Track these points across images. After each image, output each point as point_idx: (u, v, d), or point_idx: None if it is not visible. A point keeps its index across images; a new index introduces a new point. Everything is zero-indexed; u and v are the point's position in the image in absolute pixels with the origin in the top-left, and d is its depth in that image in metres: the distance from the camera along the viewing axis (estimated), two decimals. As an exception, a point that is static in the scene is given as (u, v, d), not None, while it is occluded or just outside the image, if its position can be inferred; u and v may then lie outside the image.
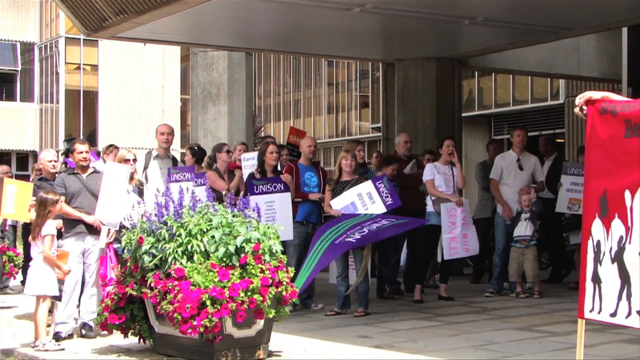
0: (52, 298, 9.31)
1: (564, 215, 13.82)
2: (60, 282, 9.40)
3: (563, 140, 24.02)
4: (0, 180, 9.73)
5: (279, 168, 11.78)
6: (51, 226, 9.26)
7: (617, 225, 5.73)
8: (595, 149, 6.05)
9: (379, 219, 10.57)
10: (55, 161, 11.46)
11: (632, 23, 16.12)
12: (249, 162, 12.39)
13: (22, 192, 9.89)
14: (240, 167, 12.51)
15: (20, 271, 13.97)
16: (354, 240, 10.15)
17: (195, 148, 12.83)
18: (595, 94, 6.12)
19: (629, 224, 5.62)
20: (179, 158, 13.05)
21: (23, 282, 11.64)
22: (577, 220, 13.39)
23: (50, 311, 9.54)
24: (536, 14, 13.82)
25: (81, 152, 9.98)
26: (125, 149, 11.87)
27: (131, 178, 10.62)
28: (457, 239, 12.15)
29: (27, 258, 11.18)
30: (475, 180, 15.20)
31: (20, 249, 14.10)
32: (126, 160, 10.77)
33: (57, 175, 10.75)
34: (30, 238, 9.43)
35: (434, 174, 12.24)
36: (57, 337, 9.34)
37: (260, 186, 11.08)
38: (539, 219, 12.58)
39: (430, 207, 12.38)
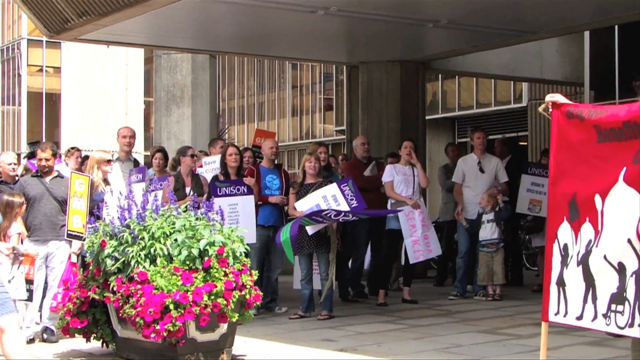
0: (23, 301, 9.22)
1: (525, 218, 13.87)
2: (29, 282, 9.30)
3: (526, 143, 24.15)
4: None
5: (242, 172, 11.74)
6: (16, 226, 9.21)
7: (587, 229, 5.75)
8: (564, 151, 6.05)
9: (347, 212, 10.60)
10: (15, 164, 11.33)
11: (594, 27, 16.28)
12: (209, 166, 12.33)
13: None
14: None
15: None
16: (319, 219, 10.33)
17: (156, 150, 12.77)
18: (562, 98, 6.14)
19: (599, 228, 5.64)
20: (142, 161, 12.96)
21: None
22: (539, 223, 13.48)
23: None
24: (499, 17, 13.88)
25: (40, 159, 9.89)
26: (102, 150, 11.70)
27: (105, 180, 10.54)
28: (419, 242, 12.15)
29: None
30: (438, 183, 15.24)
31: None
32: (108, 161, 10.62)
33: (17, 178, 10.63)
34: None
35: (393, 176, 12.22)
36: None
37: (224, 188, 11.04)
38: (503, 220, 12.59)
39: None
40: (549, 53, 19.64)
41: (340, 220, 10.70)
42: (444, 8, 13.40)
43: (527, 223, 13.94)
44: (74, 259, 9.78)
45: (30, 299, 9.39)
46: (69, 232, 9.55)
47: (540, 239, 13.71)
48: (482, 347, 8.76)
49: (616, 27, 19.08)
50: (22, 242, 9.47)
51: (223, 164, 11.48)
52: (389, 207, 12.22)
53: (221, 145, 13.09)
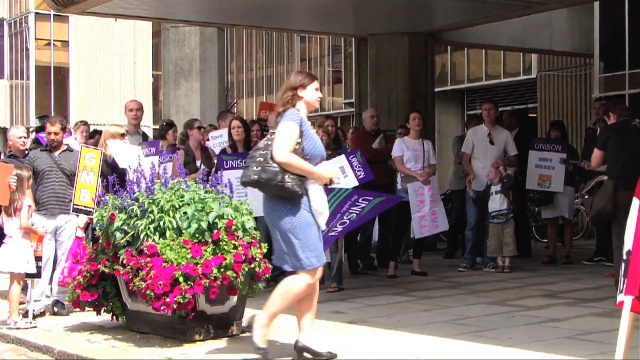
0: (29, 276, 9.26)
1: (532, 191, 13.85)
2: (38, 258, 9.34)
3: (535, 115, 24.07)
4: None
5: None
6: (27, 199, 9.25)
7: None
8: None
9: (355, 197, 10.48)
10: (25, 138, 11.34)
11: (604, -2, 16.16)
12: (216, 140, 12.31)
13: (3, 174, 9.61)
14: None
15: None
16: (337, 234, 10.10)
17: (165, 123, 12.77)
18: None
19: None
20: (150, 134, 12.95)
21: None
22: (549, 195, 13.47)
23: (24, 289, 9.50)
24: (509, -12, 13.81)
25: (50, 133, 9.89)
26: (116, 124, 11.66)
27: None
28: (426, 217, 12.15)
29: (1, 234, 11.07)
30: (452, 153, 15.21)
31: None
32: (122, 135, 10.59)
33: (27, 152, 10.64)
34: (3, 214, 9.35)
35: (403, 150, 12.20)
36: (27, 314, 9.26)
37: (230, 161, 11.00)
38: (510, 190, 12.56)
39: (399, 184, 12.40)
40: (558, 24, 19.55)
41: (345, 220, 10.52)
42: (453, -21, 13.35)
43: (537, 195, 13.93)
44: (79, 233, 9.78)
45: (38, 275, 9.43)
46: (75, 206, 9.54)
47: (550, 211, 13.72)
48: (491, 318, 8.77)
49: (626, -3, 18.99)
50: (31, 215, 9.51)
51: (230, 137, 11.48)
52: (398, 180, 12.20)
53: (231, 119, 13.06)
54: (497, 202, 12.47)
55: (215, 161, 11.45)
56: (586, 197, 13.97)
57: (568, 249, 13.78)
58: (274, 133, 6.93)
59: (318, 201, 6.93)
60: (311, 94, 7.06)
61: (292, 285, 6.97)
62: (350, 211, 10.13)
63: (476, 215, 12.88)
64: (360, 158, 11.03)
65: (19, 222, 9.18)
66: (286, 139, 6.79)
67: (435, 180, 12.45)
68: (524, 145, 13.36)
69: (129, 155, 10.23)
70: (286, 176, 6.73)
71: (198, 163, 11.35)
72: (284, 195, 6.79)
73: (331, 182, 7.10)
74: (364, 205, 10.27)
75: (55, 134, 9.88)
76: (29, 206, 9.29)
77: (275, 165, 6.74)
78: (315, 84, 7.10)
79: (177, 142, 12.24)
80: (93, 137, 12.55)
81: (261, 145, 6.95)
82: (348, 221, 10.08)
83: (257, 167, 6.78)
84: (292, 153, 6.77)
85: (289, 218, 6.82)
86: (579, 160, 13.32)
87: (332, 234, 9.98)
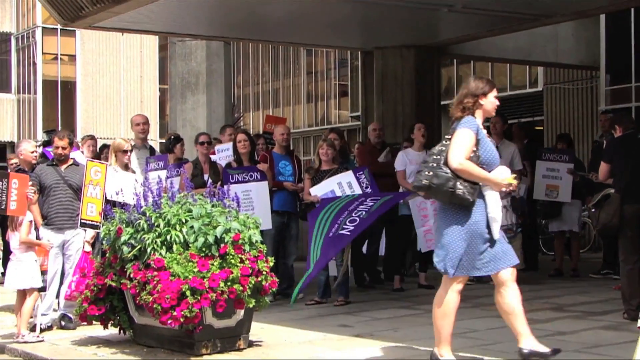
0: (37, 290, 9.28)
1: (540, 202, 13.83)
2: (44, 272, 9.37)
3: (542, 128, 24.07)
4: (6, 175, 9.39)
5: (256, 158, 11.75)
6: (29, 214, 9.26)
7: None
8: None
9: (362, 198, 10.48)
10: (36, 152, 11.41)
11: (610, 10, 16.20)
12: (222, 154, 12.34)
13: (21, 186, 9.60)
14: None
15: (-1, 263, 13.91)
16: (349, 233, 10.05)
17: (172, 137, 12.79)
18: None
19: None
20: (157, 148, 12.98)
21: (3, 274, 11.56)
22: (556, 208, 13.44)
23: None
24: (514, 1, 13.83)
25: (57, 147, 9.91)
26: (123, 139, 11.66)
27: (126, 167, 10.56)
28: (432, 231, 12.11)
29: (7, 250, 11.08)
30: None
31: (-1, 240, 13.99)
32: (124, 152, 10.61)
33: (34, 166, 10.68)
34: (9, 229, 9.38)
35: (405, 164, 12.14)
36: (35, 328, 9.27)
37: (236, 175, 11.03)
38: (521, 210, 12.53)
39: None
40: (564, 37, 19.57)
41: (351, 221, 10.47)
42: (459, -8, 13.37)
43: (543, 208, 13.89)
44: (87, 248, 9.80)
45: (44, 288, 9.44)
46: (82, 221, 9.54)
47: (557, 224, 13.70)
48: (498, 332, 8.75)
49: (632, 10, 18.99)
50: (36, 230, 9.52)
51: (235, 151, 11.50)
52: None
53: (230, 133, 13.07)
54: (504, 216, 12.43)
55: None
56: (593, 210, 13.92)
57: (575, 262, 13.75)
58: (449, 139, 6.84)
59: (494, 208, 6.94)
60: (490, 101, 7.01)
61: (440, 302, 6.99)
62: (359, 209, 10.14)
63: (483, 228, 12.85)
64: (368, 175, 11.04)
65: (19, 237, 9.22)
66: (462, 146, 6.72)
67: None
68: (533, 157, 13.39)
69: (120, 186, 10.16)
70: (458, 183, 6.67)
71: (206, 177, 11.37)
72: (454, 202, 6.74)
73: (509, 187, 7.07)
74: (372, 203, 10.28)
75: (63, 148, 9.90)
76: (30, 221, 9.29)
77: (447, 171, 6.68)
78: (495, 92, 7.02)
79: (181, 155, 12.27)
80: (102, 151, 12.58)
81: (435, 151, 6.88)
82: (358, 219, 10.05)
83: (429, 172, 6.72)
84: (467, 160, 6.72)
85: (458, 226, 6.78)
86: (585, 172, 13.32)
87: (343, 232, 9.94)
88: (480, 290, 11.97)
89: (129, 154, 10.66)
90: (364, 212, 10.21)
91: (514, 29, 16.23)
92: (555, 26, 18.01)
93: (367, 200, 10.44)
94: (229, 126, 12.31)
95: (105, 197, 9.66)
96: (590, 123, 22.08)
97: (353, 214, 10.15)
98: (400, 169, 12.14)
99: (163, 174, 10.37)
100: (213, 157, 12.26)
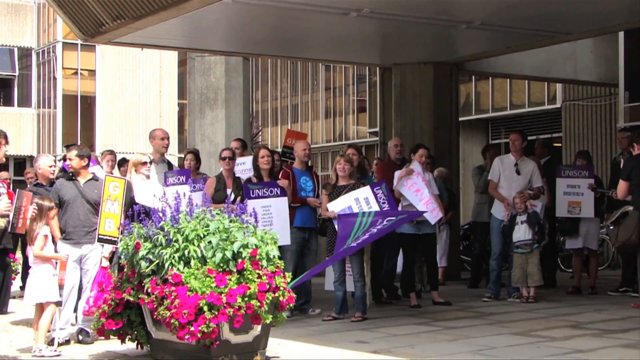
0: (55, 304, 9.32)
1: (556, 218, 13.80)
2: (62, 287, 9.42)
3: (560, 145, 24.00)
4: (22, 195, 9.41)
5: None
6: (45, 229, 9.31)
7: None
8: None
9: (380, 220, 10.51)
10: (54, 167, 11.47)
11: (629, 27, 16.15)
12: (239, 167, 12.36)
13: (27, 203, 9.63)
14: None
15: (17, 277, 13.96)
16: (355, 245, 10.15)
17: (194, 152, 12.84)
18: None
19: None
20: (175, 163, 13.01)
21: (22, 287, 11.62)
22: (574, 225, 13.39)
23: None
24: (533, 18, 13.83)
25: (70, 159, 9.94)
26: (141, 153, 11.71)
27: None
28: (431, 200, 12.00)
29: (27, 264, 11.14)
30: (472, 184, 15.20)
31: (19, 254, 14.06)
32: (143, 164, 10.65)
33: (53, 180, 10.73)
34: (28, 243, 9.44)
35: (402, 186, 12.13)
36: (52, 342, 9.30)
37: (257, 190, 11.06)
38: (537, 223, 12.51)
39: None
40: (583, 54, 19.53)
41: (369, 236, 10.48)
42: (477, 9, 13.37)
43: (561, 225, 13.85)
44: (104, 263, 9.83)
45: (61, 303, 9.49)
46: (100, 236, 9.57)
47: (574, 240, 13.65)
48: (516, 349, 8.74)
49: (651, 27, 18.92)
50: (54, 244, 9.58)
51: (255, 166, 11.51)
52: (400, 209, 12.10)
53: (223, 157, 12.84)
54: (521, 232, 12.43)
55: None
56: (611, 227, 13.89)
57: (593, 280, 13.71)
58: None
59: None
60: None
61: None
62: (371, 229, 10.21)
63: (500, 244, 12.86)
64: (385, 190, 11.06)
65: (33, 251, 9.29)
66: None
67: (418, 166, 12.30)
68: (552, 174, 13.40)
69: (148, 193, 10.26)
70: None
71: (228, 191, 11.38)
72: None
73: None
74: (386, 223, 10.34)
75: (70, 160, 9.94)
76: (45, 236, 9.33)
77: None
78: None
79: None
80: (122, 165, 12.62)
81: None
82: (368, 235, 10.13)
83: None
84: None
85: None
86: (604, 189, 13.29)
87: (351, 245, 10.05)
88: (497, 307, 11.96)
89: (148, 165, 10.71)
90: (375, 230, 10.26)
91: (532, 46, 16.23)
92: (574, 43, 18.00)
93: (385, 222, 10.47)
94: (226, 149, 12.19)
95: (132, 210, 9.69)
96: (608, 140, 22.00)
97: (366, 234, 10.21)
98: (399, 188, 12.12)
99: (183, 188, 10.41)
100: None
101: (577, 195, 13.25)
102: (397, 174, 12.21)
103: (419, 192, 11.98)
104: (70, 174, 10.09)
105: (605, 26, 14.81)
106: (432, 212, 12.01)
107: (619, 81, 20.38)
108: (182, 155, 13.90)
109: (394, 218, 10.65)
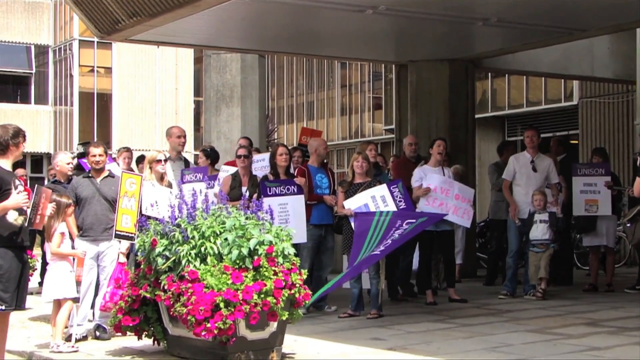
0: (72, 300, 9.37)
1: (573, 216, 13.76)
2: (79, 283, 9.47)
3: (577, 142, 23.95)
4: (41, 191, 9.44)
5: (291, 170, 11.76)
6: (62, 226, 9.35)
7: None
8: None
9: (399, 222, 10.49)
10: (72, 164, 11.51)
11: (646, 24, 16.06)
12: (257, 164, 12.36)
13: (46, 200, 9.65)
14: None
15: (35, 273, 14.01)
16: (379, 253, 10.12)
17: (209, 149, 12.83)
18: None
19: None
20: (192, 160, 13.03)
21: (40, 284, 11.67)
22: (588, 222, 13.35)
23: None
24: (550, 15, 13.78)
25: (94, 155, 9.99)
26: (156, 150, 11.72)
27: (161, 178, 10.62)
28: (458, 205, 11.97)
29: (45, 260, 11.19)
30: (488, 181, 15.17)
31: (37, 250, 14.11)
32: (157, 161, 10.66)
33: (70, 177, 10.77)
34: (46, 240, 9.50)
35: (421, 180, 12.11)
36: (70, 338, 9.34)
37: (274, 188, 11.07)
38: (556, 228, 12.46)
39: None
40: (600, 50, 19.46)
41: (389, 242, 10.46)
42: (494, 6, 13.33)
43: (578, 222, 13.81)
44: (122, 259, 9.86)
45: (79, 299, 9.54)
46: (117, 232, 9.60)
47: (591, 238, 13.61)
48: (532, 346, 8.72)
49: (668, 23, 18.84)
50: (72, 240, 9.62)
51: (273, 163, 11.51)
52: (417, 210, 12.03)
53: (239, 155, 12.85)
54: (539, 231, 12.39)
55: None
56: (628, 224, 13.86)
57: (610, 277, 13.66)
58: None
59: None
60: None
61: None
62: (393, 234, 10.17)
63: (517, 242, 12.83)
64: (402, 189, 11.05)
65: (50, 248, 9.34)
66: None
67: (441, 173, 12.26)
68: (568, 172, 13.36)
69: (155, 199, 10.26)
70: None
71: (244, 189, 11.39)
72: None
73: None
74: (407, 227, 10.30)
75: (100, 155, 9.97)
76: (62, 233, 9.37)
77: None
78: None
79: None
80: (140, 162, 12.64)
81: None
82: (390, 241, 10.10)
83: None
84: None
85: None
86: (621, 186, 13.24)
87: (374, 253, 10.00)
88: (513, 305, 11.94)
89: (163, 162, 10.72)
90: (397, 235, 10.24)
91: (548, 43, 16.17)
92: (591, 40, 17.93)
93: (404, 225, 10.44)
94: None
95: (141, 211, 9.73)
96: (625, 137, 21.94)
97: (388, 239, 10.18)
98: (416, 184, 12.10)
99: (200, 186, 10.42)
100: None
101: (594, 193, 13.20)
102: (414, 184, 12.11)
103: (442, 205, 11.95)
104: (89, 172, 10.12)
105: (623, 22, 14.74)
106: (462, 217, 12.00)
107: (636, 78, 20.28)
108: (198, 153, 13.90)
109: (414, 221, 10.60)
